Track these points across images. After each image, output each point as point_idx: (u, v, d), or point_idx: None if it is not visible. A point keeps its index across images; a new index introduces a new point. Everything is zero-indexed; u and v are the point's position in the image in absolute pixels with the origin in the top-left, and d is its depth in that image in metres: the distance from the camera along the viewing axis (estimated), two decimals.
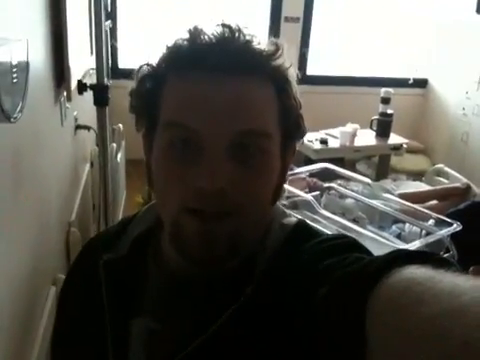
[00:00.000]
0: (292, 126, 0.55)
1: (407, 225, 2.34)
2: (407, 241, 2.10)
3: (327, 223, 2.03)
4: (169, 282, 0.58)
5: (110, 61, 3.13)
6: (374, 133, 3.55)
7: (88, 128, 2.15)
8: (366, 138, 3.50)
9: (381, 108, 3.51)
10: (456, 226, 1.95)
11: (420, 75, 4.51)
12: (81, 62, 1.91)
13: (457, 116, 4.09)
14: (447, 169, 3.24)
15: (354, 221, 2.25)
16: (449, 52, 4.21)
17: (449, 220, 2.02)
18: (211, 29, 0.51)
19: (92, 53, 2.09)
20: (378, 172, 3.63)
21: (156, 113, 0.54)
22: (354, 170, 3.43)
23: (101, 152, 1.86)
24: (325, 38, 4.34)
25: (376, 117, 3.53)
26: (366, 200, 2.35)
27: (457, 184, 2.89)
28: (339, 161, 3.18)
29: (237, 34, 0.51)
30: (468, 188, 2.80)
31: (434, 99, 4.47)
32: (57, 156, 1.73)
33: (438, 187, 2.98)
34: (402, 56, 4.51)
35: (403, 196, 2.56)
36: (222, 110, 0.50)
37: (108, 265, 0.60)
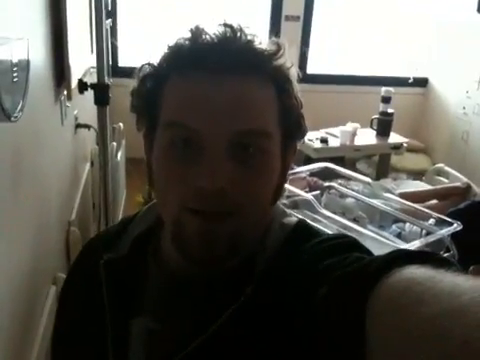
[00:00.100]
0: (293, 126, 0.55)
1: (407, 225, 2.34)
2: (407, 241, 2.10)
3: (327, 222, 2.03)
4: (169, 282, 0.58)
5: (110, 60, 3.12)
6: (374, 132, 3.54)
7: (88, 127, 2.15)
8: (366, 137, 3.49)
9: (381, 107, 3.51)
10: (456, 226, 1.95)
11: (420, 74, 4.51)
12: (81, 61, 1.91)
13: (457, 115, 4.09)
14: (447, 168, 3.24)
15: (354, 220, 2.25)
16: (449, 51, 4.20)
17: (449, 220, 2.02)
18: (212, 29, 0.51)
19: (92, 52, 2.09)
20: (378, 171, 3.63)
21: (157, 113, 0.54)
22: (354, 169, 3.42)
23: (101, 151, 1.86)
24: (326, 37, 4.34)
25: (376, 116, 3.53)
26: (366, 199, 2.35)
27: (457, 183, 2.89)
28: (339, 160, 3.18)
29: (239, 34, 0.51)
30: (468, 188, 2.80)
31: (434, 98, 4.47)
32: (57, 155, 1.73)
33: (438, 186, 2.98)
34: (402, 55, 4.51)
35: (403, 195, 2.56)
36: (223, 110, 0.50)
37: (108, 265, 0.60)
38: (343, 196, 2.49)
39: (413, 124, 4.50)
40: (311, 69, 4.26)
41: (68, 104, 1.83)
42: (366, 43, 4.44)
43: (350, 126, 3.40)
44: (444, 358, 0.32)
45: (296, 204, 2.17)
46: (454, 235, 1.95)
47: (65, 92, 1.73)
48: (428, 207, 2.40)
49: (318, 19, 4.24)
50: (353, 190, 2.50)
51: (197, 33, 0.51)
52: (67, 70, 1.66)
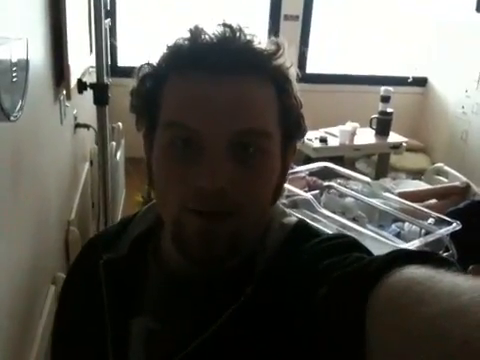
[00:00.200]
0: (292, 126, 0.55)
1: (407, 224, 2.34)
2: (407, 240, 2.10)
3: (327, 222, 2.03)
4: (169, 282, 0.58)
5: (109, 59, 3.12)
6: (374, 132, 3.54)
7: (87, 127, 2.15)
8: (366, 137, 3.49)
9: (381, 107, 3.51)
10: (456, 225, 1.95)
11: (420, 74, 4.51)
12: (80, 61, 1.91)
13: (457, 115, 4.10)
14: (447, 168, 3.24)
15: (354, 220, 2.25)
16: (449, 51, 4.20)
17: (449, 219, 2.02)
18: (212, 29, 0.51)
19: (91, 52, 2.09)
20: (377, 171, 3.63)
21: (156, 113, 0.54)
22: (354, 169, 3.42)
23: (100, 151, 1.86)
24: (325, 36, 4.34)
25: (376, 116, 3.53)
26: (366, 199, 2.35)
27: (456, 183, 2.89)
28: (338, 160, 3.18)
29: (238, 34, 0.51)
30: (467, 187, 2.81)
31: (434, 98, 4.47)
32: (56, 155, 1.72)
33: (438, 186, 2.98)
34: (402, 55, 4.51)
35: (403, 195, 2.56)
36: (222, 110, 0.50)
37: (108, 265, 0.60)
38: (342, 196, 2.49)
39: (412, 124, 4.50)
40: (310, 69, 4.26)
41: (67, 104, 1.82)
42: (365, 43, 4.44)
43: (349, 126, 3.40)
44: (444, 358, 0.32)
45: (295, 204, 2.17)
46: (453, 235, 1.95)
47: (64, 92, 1.73)
48: (427, 206, 2.40)
49: (317, 19, 4.24)
50: (352, 190, 2.50)
51: (196, 33, 0.51)
52: (66, 70, 1.65)
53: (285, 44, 0.53)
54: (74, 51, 1.73)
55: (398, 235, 2.33)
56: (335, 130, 3.41)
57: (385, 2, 4.38)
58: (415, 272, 0.38)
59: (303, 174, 2.57)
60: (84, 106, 2.20)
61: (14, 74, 0.91)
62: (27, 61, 1.00)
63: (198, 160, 0.50)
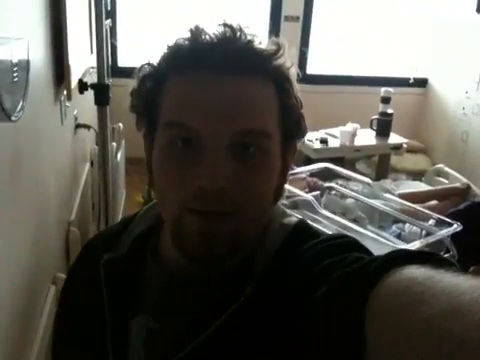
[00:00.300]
0: (293, 126, 0.55)
1: (407, 225, 2.34)
2: (407, 241, 2.10)
3: (327, 223, 2.03)
4: (169, 281, 0.58)
5: (110, 60, 3.13)
6: (374, 133, 3.54)
7: (88, 127, 2.15)
8: (366, 138, 3.49)
9: (381, 107, 3.51)
10: (456, 226, 1.95)
11: (420, 75, 4.51)
12: (81, 61, 1.91)
13: (457, 115, 4.10)
14: (447, 169, 3.24)
15: (354, 221, 2.25)
16: (449, 52, 4.21)
17: (449, 220, 2.02)
18: (212, 29, 0.51)
19: (92, 52, 2.09)
20: (378, 172, 3.63)
21: (157, 113, 0.54)
22: (354, 170, 3.42)
23: (101, 151, 1.86)
24: (325, 37, 4.34)
25: (376, 116, 3.53)
26: (366, 200, 2.35)
27: (457, 184, 2.89)
28: (339, 161, 3.18)
29: (238, 34, 0.51)
30: (468, 188, 2.81)
31: (434, 98, 4.47)
32: (57, 155, 1.73)
33: (438, 187, 2.98)
34: (402, 56, 4.51)
35: (403, 196, 2.56)
36: (223, 110, 0.50)
37: (108, 264, 0.60)
38: (343, 197, 2.49)
39: (413, 124, 4.50)
40: (311, 69, 4.26)
41: (68, 104, 1.83)
42: (366, 43, 4.45)
43: (350, 126, 3.40)
44: (443, 358, 0.32)
45: (296, 204, 2.17)
46: (454, 236, 1.95)
47: (65, 92, 1.73)
48: (428, 208, 2.40)
49: (318, 19, 4.24)
50: (353, 191, 2.50)
51: (197, 33, 0.51)
52: (67, 70, 1.66)
53: (285, 44, 0.53)
54: (75, 51, 1.73)
55: (399, 236, 2.33)
56: (335, 131, 3.42)
57: (385, 3, 4.38)
58: (415, 272, 0.38)
59: (303, 175, 2.57)
60: (85, 106, 2.20)
61: (15, 74, 0.91)
62: (28, 61, 1.00)
63: (198, 160, 0.50)
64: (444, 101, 4.32)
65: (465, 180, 2.92)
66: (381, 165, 3.66)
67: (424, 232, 2.12)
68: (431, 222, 2.17)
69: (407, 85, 4.40)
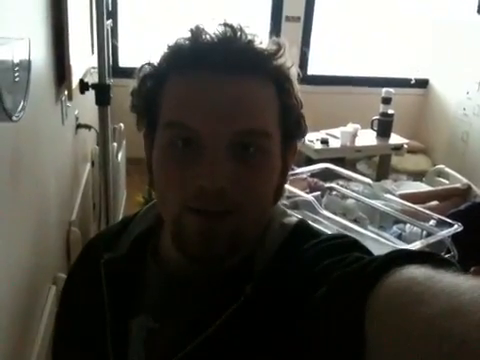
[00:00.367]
0: (293, 126, 0.55)
1: (408, 226, 2.33)
2: (408, 242, 2.10)
3: (328, 223, 2.03)
4: (169, 281, 0.58)
5: (111, 60, 3.13)
6: (375, 133, 3.54)
7: (89, 127, 2.15)
8: (367, 138, 3.49)
9: (382, 108, 3.51)
10: (457, 227, 1.95)
11: (421, 75, 4.51)
12: (82, 61, 1.92)
13: (458, 116, 4.09)
14: (448, 169, 3.24)
15: (355, 221, 2.25)
16: (450, 52, 4.20)
17: (450, 221, 2.02)
18: (213, 28, 0.51)
19: (93, 52, 2.09)
20: (379, 172, 3.63)
21: (157, 112, 0.54)
22: (355, 170, 3.42)
23: (102, 151, 1.86)
24: (326, 38, 4.34)
25: (377, 117, 3.53)
26: (367, 200, 2.34)
27: (458, 185, 2.89)
28: (340, 161, 3.18)
29: (239, 33, 0.51)
30: (469, 189, 2.80)
31: (435, 99, 4.47)
32: (58, 155, 1.73)
33: (439, 188, 2.98)
34: (403, 56, 4.51)
35: (404, 196, 2.56)
36: (223, 110, 0.50)
37: (108, 264, 0.60)
38: (344, 197, 2.49)
39: (413, 125, 4.50)
40: (312, 70, 4.26)
41: (69, 104, 1.83)
42: (366, 44, 4.45)
43: (350, 127, 3.40)
44: (443, 358, 0.32)
45: (296, 205, 2.17)
46: (455, 236, 1.95)
47: (66, 92, 1.73)
48: (428, 208, 2.40)
49: (319, 20, 4.24)
50: (353, 191, 2.50)
51: (197, 33, 0.51)
52: (68, 70, 1.66)
53: (286, 44, 0.53)
54: (76, 52, 1.73)
55: (399, 237, 2.32)
56: (336, 131, 3.41)
57: (386, 4, 4.38)
58: (415, 272, 0.38)
59: (304, 175, 2.57)
60: (86, 107, 2.21)
61: (16, 74, 0.91)
62: (29, 61, 1.00)
63: (198, 160, 0.50)
64: (445, 102, 4.32)
65: (466, 181, 2.92)
66: (382, 165, 3.66)
67: (425, 232, 2.12)
68: (432, 222, 2.17)
69: (408, 86, 4.40)
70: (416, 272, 0.38)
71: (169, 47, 0.53)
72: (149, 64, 0.55)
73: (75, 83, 1.74)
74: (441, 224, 2.07)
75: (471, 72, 3.89)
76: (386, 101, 3.49)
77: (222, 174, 0.49)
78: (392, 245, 1.90)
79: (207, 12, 3.64)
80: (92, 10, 2.02)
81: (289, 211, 0.62)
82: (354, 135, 3.38)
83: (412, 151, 3.98)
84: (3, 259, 1.04)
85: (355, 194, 2.44)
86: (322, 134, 3.41)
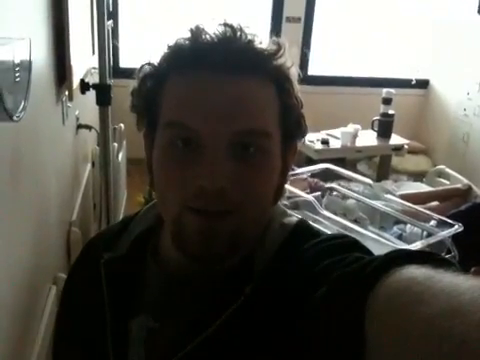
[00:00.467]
0: (293, 125, 0.55)
1: (408, 226, 2.33)
2: (408, 242, 2.10)
3: (328, 224, 2.03)
4: (169, 281, 0.58)
5: (111, 60, 3.13)
6: (375, 134, 3.54)
7: (89, 128, 2.15)
8: (367, 138, 3.50)
9: (382, 109, 3.51)
10: (457, 227, 1.95)
11: (422, 76, 4.51)
12: (83, 62, 1.92)
13: (458, 117, 4.09)
14: (448, 170, 3.24)
15: (355, 222, 2.25)
16: (450, 53, 4.20)
17: (450, 221, 2.02)
18: (213, 28, 0.51)
19: (94, 53, 2.10)
20: (379, 173, 3.63)
21: (157, 112, 0.54)
22: (355, 171, 3.42)
23: (102, 152, 1.86)
24: (327, 38, 4.34)
25: (377, 118, 3.53)
26: (367, 201, 2.34)
27: (458, 185, 2.89)
28: (340, 161, 3.18)
29: (239, 33, 0.51)
30: (469, 189, 2.80)
31: (435, 100, 4.47)
32: (58, 155, 1.73)
33: (439, 188, 2.98)
34: (403, 57, 4.51)
35: (404, 197, 2.56)
36: (223, 110, 0.50)
37: (108, 264, 0.60)
38: (344, 197, 2.49)
39: (414, 126, 4.50)
40: (312, 71, 4.26)
41: (69, 104, 1.83)
42: (367, 44, 4.45)
43: (351, 127, 3.40)
44: (443, 358, 0.32)
45: (297, 205, 2.17)
46: (455, 237, 1.94)
47: (67, 92, 1.73)
48: (429, 208, 2.39)
49: (319, 20, 4.24)
50: (354, 191, 2.49)
51: (197, 33, 0.51)
52: (69, 70, 1.66)
53: (286, 44, 0.53)
54: (77, 52, 1.73)
55: (400, 237, 2.32)
56: (337, 132, 3.42)
57: (387, 4, 4.38)
58: (415, 272, 0.38)
59: (305, 176, 2.57)
60: (86, 107, 2.21)
61: (17, 74, 0.91)
62: (30, 61, 1.00)
63: (198, 160, 0.50)
64: (445, 102, 4.32)
65: (466, 181, 2.92)
66: (382, 166, 3.66)
67: (425, 233, 2.12)
68: (432, 223, 2.17)
69: (408, 86, 4.40)
70: (416, 272, 0.38)
71: (169, 47, 0.53)
72: (149, 64, 0.55)
73: (76, 83, 1.74)
74: (441, 224, 2.07)
75: (471, 73, 3.89)
76: (387, 102, 3.49)
77: (222, 174, 0.49)
78: (392, 245, 1.90)
79: (207, 12, 3.64)
80: (93, 10, 2.02)
81: (289, 211, 0.62)
82: (354, 135, 3.38)
83: (413, 152, 3.98)
84: (3, 259, 1.05)
85: (355, 194, 2.44)
86: (323, 134, 3.41)
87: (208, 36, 0.51)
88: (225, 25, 0.51)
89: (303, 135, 0.58)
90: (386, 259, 0.42)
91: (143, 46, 3.48)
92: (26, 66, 0.98)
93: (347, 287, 0.42)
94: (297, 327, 0.46)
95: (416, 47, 4.52)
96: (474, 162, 3.84)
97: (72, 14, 1.65)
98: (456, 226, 1.96)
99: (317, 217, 2.06)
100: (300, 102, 0.55)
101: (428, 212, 2.20)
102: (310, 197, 2.12)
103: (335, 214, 2.12)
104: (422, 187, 3.16)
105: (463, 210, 2.36)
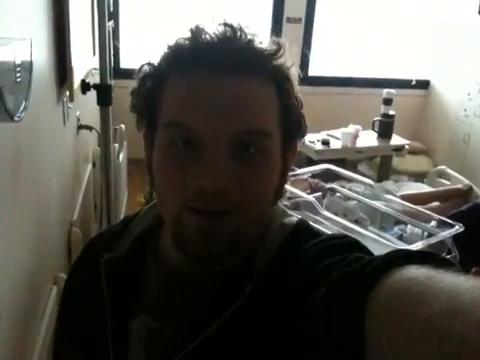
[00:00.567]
0: (293, 125, 0.55)
1: (409, 226, 2.33)
2: (409, 242, 2.10)
3: (329, 224, 2.03)
4: (169, 281, 0.58)
5: (112, 61, 3.14)
6: (376, 134, 3.54)
7: (90, 128, 2.16)
8: (368, 139, 3.50)
9: (383, 109, 3.51)
10: (458, 227, 1.95)
11: (422, 76, 4.51)
12: (84, 62, 1.92)
13: (459, 117, 4.09)
14: (449, 170, 3.24)
15: (356, 222, 2.25)
16: (451, 53, 4.20)
17: (451, 222, 2.02)
18: (213, 28, 0.51)
19: (94, 53, 2.10)
20: (380, 173, 3.63)
21: (157, 112, 0.54)
22: (356, 171, 3.42)
23: (103, 152, 1.86)
24: (327, 39, 4.34)
25: (378, 118, 3.53)
26: (368, 201, 2.34)
27: (459, 185, 2.89)
28: (341, 162, 3.18)
29: (239, 33, 0.51)
30: (470, 190, 2.80)
31: (436, 100, 4.47)
32: (59, 156, 1.73)
33: (440, 188, 2.98)
34: (404, 57, 4.51)
35: (405, 197, 2.56)
36: (223, 110, 0.50)
37: (109, 264, 0.60)
38: (345, 198, 2.49)
39: (415, 126, 4.50)
40: (313, 71, 4.26)
41: (70, 105, 1.83)
42: (368, 45, 4.45)
43: (352, 128, 3.40)
44: (443, 358, 0.32)
45: (297, 205, 2.17)
46: (456, 237, 1.94)
47: (67, 93, 1.73)
48: (430, 209, 2.39)
49: (320, 21, 4.25)
50: (355, 192, 2.49)
51: (197, 33, 0.51)
52: (69, 71, 1.66)
53: (286, 44, 0.53)
54: (77, 52, 1.73)
55: (400, 237, 2.32)
56: (337, 132, 3.42)
57: (387, 5, 4.38)
58: (415, 272, 0.38)
59: (305, 176, 2.57)
60: (87, 108, 2.21)
61: (18, 75, 0.91)
62: (31, 62, 1.00)
63: (198, 160, 0.50)
64: (446, 103, 4.32)
65: (467, 181, 2.92)
66: (383, 166, 3.66)
67: (426, 233, 2.12)
68: (433, 223, 2.17)
69: (409, 87, 4.40)
70: (416, 272, 0.38)
71: (169, 47, 0.53)
72: (149, 64, 0.55)
73: (77, 84, 1.74)
74: (442, 225, 2.07)
75: (472, 73, 3.89)
76: (387, 102, 3.49)
77: (222, 174, 0.49)
78: (393, 246, 1.90)
79: (208, 13, 3.64)
80: (94, 11, 2.02)
81: (289, 211, 0.62)
82: (355, 136, 3.38)
83: (413, 152, 3.98)
84: (3, 259, 1.05)
85: (356, 195, 2.44)
86: (323, 135, 3.41)
87: (208, 36, 0.51)
88: (225, 25, 0.51)
89: (303, 135, 0.58)
90: (386, 259, 0.42)
91: (144, 46, 3.48)
92: (27, 66, 0.98)
93: (347, 287, 0.42)
94: (297, 327, 0.46)
95: (416, 47, 4.52)
96: (475, 162, 3.84)
97: (73, 14, 1.65)
98: (457, 226, 1.96)
99: (318, 217, 2.06)
100: (300, 102, 0.55)
101: (429, 212, 2.20)
102: (311, 198, 2.12)
103: (336, 215, 2.12)
104: (423, 187, 3.16)
105: (464, 210, 2.35)
